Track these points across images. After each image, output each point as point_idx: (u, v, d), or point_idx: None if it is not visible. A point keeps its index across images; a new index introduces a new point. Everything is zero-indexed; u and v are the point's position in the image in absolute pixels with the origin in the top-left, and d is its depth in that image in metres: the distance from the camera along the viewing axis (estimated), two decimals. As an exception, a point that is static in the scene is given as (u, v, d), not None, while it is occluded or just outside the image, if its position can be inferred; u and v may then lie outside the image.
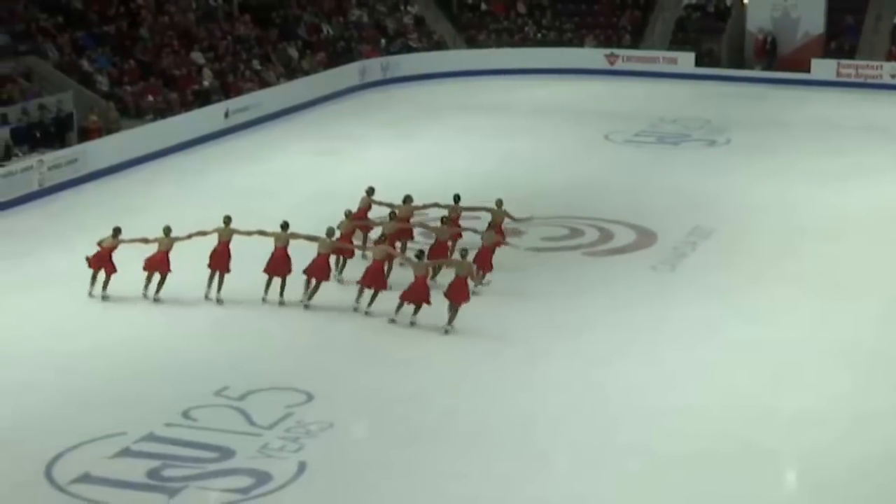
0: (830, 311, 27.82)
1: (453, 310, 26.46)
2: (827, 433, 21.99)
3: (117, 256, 28.15)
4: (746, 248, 32.52)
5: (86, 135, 40.74)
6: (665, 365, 24.98)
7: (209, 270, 28.09)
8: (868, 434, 21.96)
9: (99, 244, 28.19)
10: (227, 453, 21.14)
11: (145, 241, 28.18)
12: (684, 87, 55.15)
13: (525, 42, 59.34)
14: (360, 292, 27.59)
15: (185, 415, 22.62)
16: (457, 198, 30.90)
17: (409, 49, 57.55)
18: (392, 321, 26.67)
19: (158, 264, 28.00)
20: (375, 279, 27.41)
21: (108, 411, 22.60)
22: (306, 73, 52.04)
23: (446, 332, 26.29)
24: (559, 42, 59.34)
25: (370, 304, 27.37)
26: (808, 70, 55.99)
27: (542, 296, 28.81)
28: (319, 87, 51.67)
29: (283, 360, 25.30)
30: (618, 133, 46.40)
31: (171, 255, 28.10)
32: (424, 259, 27.54)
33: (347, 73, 53.66)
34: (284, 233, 28.12)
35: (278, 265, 27.97)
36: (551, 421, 22.34)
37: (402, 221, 30.16)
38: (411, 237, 30.82)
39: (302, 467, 20.70)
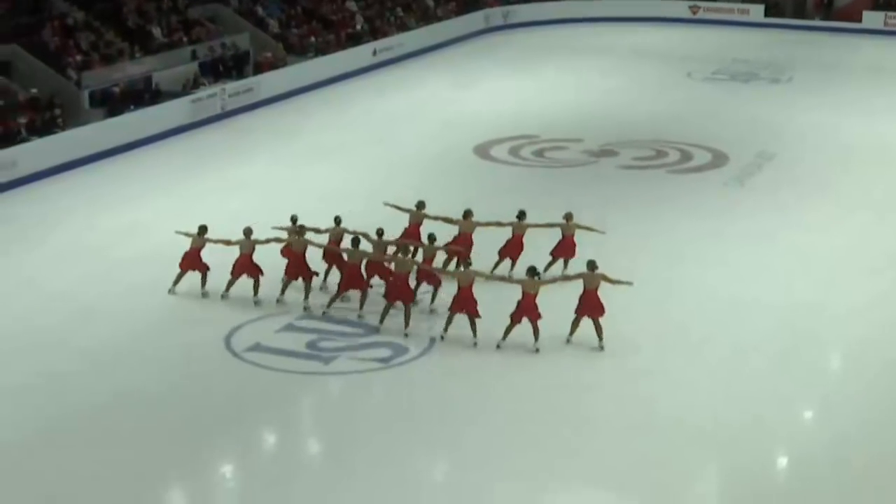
0: (876, 224, 27.30)
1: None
2: (871, 327, 21.63)
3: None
4: (804, 170, 31.96)
5: (259, 68, 40.92)
6: (732, 265, 24.69)
7: (286, 278, 22.47)
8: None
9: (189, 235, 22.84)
10: (371, 330, 21.28)
11: (228, 242, 22.49)
12: (754, 34, 54.04)
13: (622, -6, 58.56)
14: (472, 325, 20.69)
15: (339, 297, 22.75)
16: (521, 214, 23.51)
17: (525, 0, 57.00)
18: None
19: (244, 268, 22.36)
20: (468, 304, 20.69)
21: (275, 292, 22.58)
22: (440, 19, 51.71)
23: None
24: (650, -6, 58.50)
25: (474, 334, 20.67)
26: (859, 20, 54.57)
27: (633, 206, 28.64)
28: (450, 31, 51.32)
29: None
30: (697, 72, 45.65)
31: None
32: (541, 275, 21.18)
33: (474, 20, 53.24)
34: (358, 250, 21.65)
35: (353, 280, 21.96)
36: (639, 311, 21.96)
37: (462, 238, 23.26)
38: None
39: (432, 342, 20.83)
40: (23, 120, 31.91)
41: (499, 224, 23.58)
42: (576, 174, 32.00)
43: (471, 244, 23.29)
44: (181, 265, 22.71)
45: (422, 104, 40.31)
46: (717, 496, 16.77)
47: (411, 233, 23.44)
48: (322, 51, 44.16)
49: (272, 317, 21.74)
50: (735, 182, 30.89)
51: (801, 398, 19.23)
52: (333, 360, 20.00)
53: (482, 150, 33.79)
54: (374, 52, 46.01)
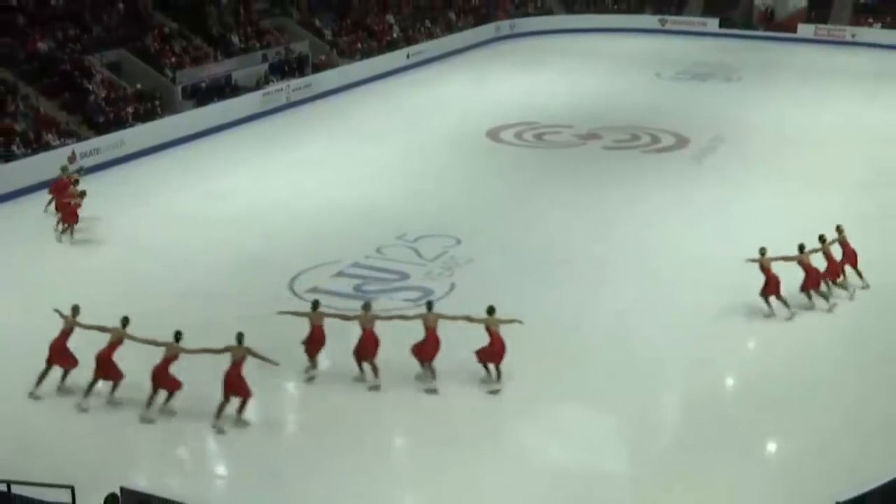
0: (807, 194, 26.98)
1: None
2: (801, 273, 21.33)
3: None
4: (751, 151, 31.61)
5: (316, 68, 40.68)
6: (693, 226, 24.54)
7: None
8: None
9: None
10: (404, 276, 21.22)
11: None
12: (711, 42, 53.33)
13: (605, 10, 57.74)
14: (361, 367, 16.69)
15: (378, 250, 22.68)
16: (801, 247, 19.85)
17: (527, 14, 56.36)
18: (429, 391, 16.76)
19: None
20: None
21: (329, 246, 22.72)
22: (460, 29, 51.22)
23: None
24: (628, 10, 57.64)
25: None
26: (795, 31, 53.93)
27: (612, 181, 28.45)
28: (468, 39, 50.85)
29: (443, 215, 25.11)
30: (665, 73, 45.10)
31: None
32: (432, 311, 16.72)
33: (486, 30, 52.76)
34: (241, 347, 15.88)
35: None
36: (620, 264, 21.95)
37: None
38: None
39: (452, 286, 20.71)
40: (129, 109, 31.87)
41: (785, 259, 19.64)
42: (568, 153, 31.77)
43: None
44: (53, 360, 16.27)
45: (445, 98, 39.99)
46: (677, 413, 16.75)
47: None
48: (366, 54, 43.84)
49: (326, 265, 21.64)
50: (694, 160, 30.54)
51: (752, 335, 19.11)
52: (375, 299, 19.64)
53: (493, 134, 33.51)
54: (408, 56, 45.66)
